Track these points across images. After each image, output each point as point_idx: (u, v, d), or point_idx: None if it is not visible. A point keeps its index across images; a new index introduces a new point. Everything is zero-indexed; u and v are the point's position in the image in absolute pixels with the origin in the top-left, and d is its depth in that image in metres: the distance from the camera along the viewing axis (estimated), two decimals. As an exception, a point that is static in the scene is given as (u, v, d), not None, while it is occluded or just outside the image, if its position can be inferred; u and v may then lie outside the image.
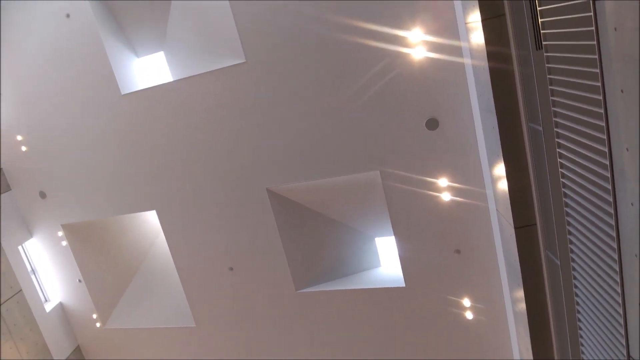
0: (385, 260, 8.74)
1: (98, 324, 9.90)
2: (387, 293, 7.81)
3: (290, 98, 7.01)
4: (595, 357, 3.73)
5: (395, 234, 7.25)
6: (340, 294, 8.10)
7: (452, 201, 6.69)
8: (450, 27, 5.85)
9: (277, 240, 7.99)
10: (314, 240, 8.49)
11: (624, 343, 3.08)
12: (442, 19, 5.88)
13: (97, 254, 9.88)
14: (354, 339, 8.39)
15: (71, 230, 9.47)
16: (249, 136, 7.48)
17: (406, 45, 6.14)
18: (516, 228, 5.03)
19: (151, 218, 10.30)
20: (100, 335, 10.02)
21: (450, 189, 6.64)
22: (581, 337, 4.07)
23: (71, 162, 8.75)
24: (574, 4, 2.88)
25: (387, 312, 7.94)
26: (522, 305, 5.45)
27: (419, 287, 7.51)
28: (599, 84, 2.70)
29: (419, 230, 7.09)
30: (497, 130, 4.81)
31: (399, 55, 6.22)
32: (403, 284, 7.62)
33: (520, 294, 5.37)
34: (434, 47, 6.03)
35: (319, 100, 6.89)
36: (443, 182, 6.63)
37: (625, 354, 3.08)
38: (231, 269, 8.54)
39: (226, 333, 9.13)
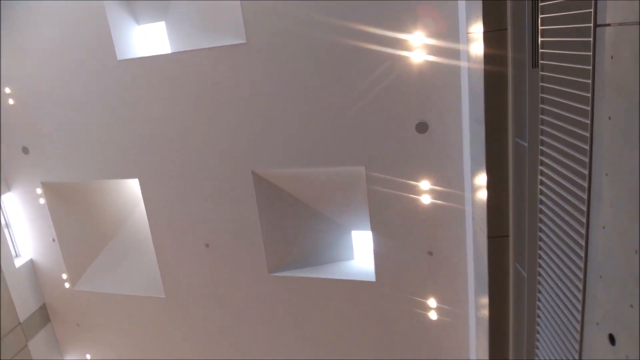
0: (359, 254, 8.87)
1: (67, 285, 9.84)
2: (357, 286, 7.95)
3: (288, 85, 7.02)
4: (549, 368, 3.91)
5: (372, 229, 7.37)
6: (312, 282, 8.22)
7: (432, 204, 6.83)
8: (451, 33, 5.94)
9: (256, 222, 8.04)
10: (293, 226, 8.57)
11: (576, 358, 3.23)
12: (443, 23, 5.96)
13: (75, 215, 9.79)
14: (320, 327, 8.54)
15: (50, 189, 9.35)
16: (241, 117, 7.48)
17: (406, 48, 6.22)
18: (489, 237, 5.17)
19: (133, 186, 10.24)
20: (68, 295, 9.97)
21: (431, 192, 6.78)
22: (537, 348, 4.24)
23: (58, 121, 8.62)
24: (575, 27, 2.97)
25: (355, 304, 8.09)
26: (485, 312, 5.62)
27: (388, 284, 7.67)
28: (589, 108, 2.81)
29: (395, 228, 7.22)
30: (484, 141, 4.92)
31: (399, 58, 6.29)
32: (374, 279, 7.77)
33: (485, 300, 5.54)
34: (434, 51, 6.11)
35: (315, 92, 6.92)
36: (425, 184, 6.75)
37: (577, 368, 3.24)
38: (207, 245, 8.57)
39: (195, 308, 9.18)
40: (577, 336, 3.12)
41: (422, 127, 6.49)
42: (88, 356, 10.64)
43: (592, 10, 2.73)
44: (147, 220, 8.87)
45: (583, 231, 3.02)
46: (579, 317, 3.08)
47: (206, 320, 9.22)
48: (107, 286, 9.76)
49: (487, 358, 5.76)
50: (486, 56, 4.62)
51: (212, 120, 7.65)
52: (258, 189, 7.91)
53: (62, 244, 9.55)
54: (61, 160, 8.90)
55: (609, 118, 2.66)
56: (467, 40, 5.31)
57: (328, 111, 6.95)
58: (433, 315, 7.47)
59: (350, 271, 8.49)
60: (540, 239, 3.91)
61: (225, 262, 8.56)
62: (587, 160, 2.95)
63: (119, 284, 9.77)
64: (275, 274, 8.38)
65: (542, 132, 3.68)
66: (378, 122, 6.73)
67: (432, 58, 6.15)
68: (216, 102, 7.51)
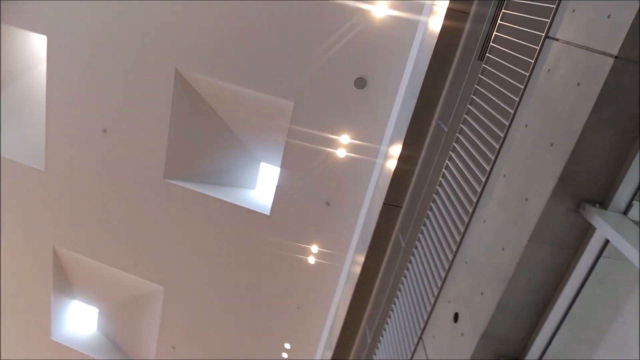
0: (261, 186, 8.89)
1: None
2: (250, 215, 8.00)
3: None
4: (397, 330, 4.28)
5: (282, 167, 7.36)
6: (207, 200, 8.10)
7: (346, 158, 6.97)
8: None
9: (165, 120, 7.61)
10: (204, 139, 8.27)
11: (422, 326, 3.57)
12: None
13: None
14: (205, 248, 8.53)
15: None
16: (181, 9, 6.84)
17: (371, 1, 6.05)
18: (384, 204, 5.42)
19: (37, 45, 9.07)
20: None
21: (348, 146, 6.88)
22: (392, 310, 4.62)
23: None
24: (528, 32, 3.05)
25: (244, 232, 8.17)
26: (358, 269, 5.98)
27: (280, 222, 7.82)
28: (512, 111, 2.94)
29: (304, 171, 7.29)
30: (411, 115, 5.04)
31: (361, 10, 6.11)
32: (268, 213, 7.86)
33: (361, 259, 5.88)
34: (397, 6, 6.01)
35: (267, 11, 6.51)
36: (345, 139, 6.83)
37: (418, 335, 3.58)
38: (105, 131, 7.99)
39: (76, 190, 8.63)
40: (429, 308, 3.43)
41: (360, 83, 6.47)
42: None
43: (549, 20, 2.81)
44: (44, 85, 7.98)
45: (466, 219, 3.25)
46: (436, 292, 3.36)
47: (85, 206, 8.74)
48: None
49: (346, 310, 6.20)
50: (441, 34, 4.65)
51: (148, 5, 6.91)
52: (179, 91, 7.43)
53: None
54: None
55: (525, 126, 2.81)
56: (430, 13, 5.29)
57: (272, 31, 6.61)
58: (311, 260, 7.81)
59: (248, 200, 8.50)
60: (427, 217, 4.17)
61: (121, 153, 8.07)
62: (493, 158, 3.13)
63: (-5, 141, 8.83)
64: (170, 181, 8.11)
65: (464, 122, 3.83)
66: (320, 64, 6.57)
67: (394, 13, 6.05)
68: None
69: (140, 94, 7.54)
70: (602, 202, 2.32)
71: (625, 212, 2.24)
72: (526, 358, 2.53)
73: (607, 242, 2.22)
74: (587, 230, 2.34)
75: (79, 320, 11.28)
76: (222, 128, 8.24)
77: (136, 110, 7.66)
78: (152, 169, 7.99)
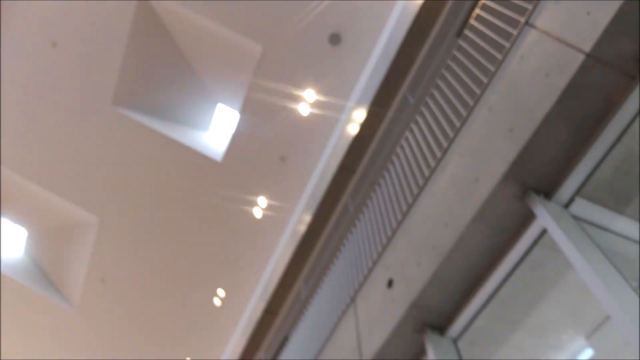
0: (216, 129, 8.63)
1: None
2: (200, 160, 7.79)
3: None
4: (331, 290, 4.37)
5: (242, 112, 7.16)
6: (155, 136, 7.78)
7: (309, 115, 6.85)
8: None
9: (122, 42, 7.10)
10: (161, 69, 7.84)
11: (356, 288, 3.65)
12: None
13: None
14: (147, 185, 8.25)
15: None
16: None
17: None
18: (339, 168, 5.42)
19: None
20: None
21: (313, 104, 6.76)
22: (330, 269, 4.70)
23: None
24: (509, 15, 3.03)
25: (193, 177, 7.97)
26: (303, 228, 6.02)
27: (231, 170, 7.67)
28: (479, 92, 2.95)
29: (264, 120, 7.12)
30: (380, 81, 4.99)
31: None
32: (220, 159, 7.68)
33: (307, 218, 5.91)
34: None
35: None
36: (310, 94, 6.70)
37: (351, 296, 3.67)
38: (54, 44, 7.38)
39: (15, 104, 8.03)
40: (366, 272, 3.50)
41: (334, 40, 6.30)
42: None
43: (531, 8, 2.79)
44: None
45: (416, 192, 3.29)
46: (375, 258, 3.43)
47: (26, 121, 8.16)
48: None
49: (286, 265, 6.26)
50: (424, 5, 4.56)
51: None
52: (141, 13, 6.93)
53: None
54: None
55: (489, 109, 2.83)
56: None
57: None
58: (258, 213, 7.77)
59: (199, 142, 8.24)
60: (379, 185, 4.20)
61: (69, 72, 7.52)
62: (452, 136, 3.15)
63: None
64: (119, 109, 7.69)
65: (431, 96, 3.82)
66: (298, 13, 6.31)
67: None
68: None
69: (99, 7, 6.97)
70: (547, 193, 2.39)
71: (567, 206, 2.33)
72: (450, 330, 2.64)
73: (544, 231, 2.31)
74: (528, 218, 2.42)
75: (5, 240, 10.76)
76: (182, 61, 7.82)
77: (91, 25, 7.10)
78: (101, 93, 7.52)
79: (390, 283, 3.02)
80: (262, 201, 7.68)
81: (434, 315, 2.69)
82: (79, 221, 9.01)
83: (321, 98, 6.69)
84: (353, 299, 3.60)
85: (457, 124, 3.12)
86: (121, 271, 9.25)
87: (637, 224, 2.46)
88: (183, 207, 8.27)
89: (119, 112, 7.63)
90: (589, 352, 2.92)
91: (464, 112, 3.10)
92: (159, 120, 8.01)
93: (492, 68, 2.94)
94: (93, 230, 8.82)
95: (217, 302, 8.83)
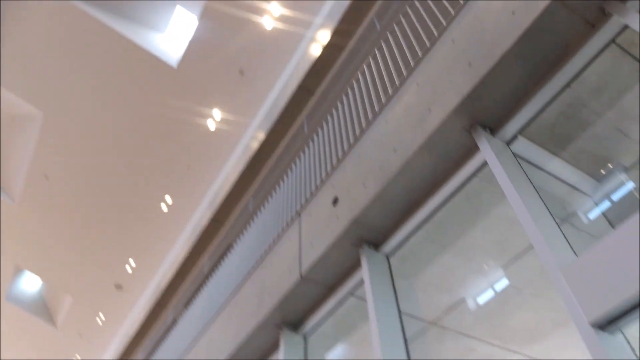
0: (172, 33, 8.14)
1: None
2: (154, 64, 7.40)
3: None
4: (278, 204, 4.49)
5: (201, 17, 6.76)
6: (109, 33, 7.24)
7: (273, 30, 6.59)
8: None
9: None
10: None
11: (302, 203, 3.78)
12: None
13: None
14: (97, 84, 7.79)
15: None
16: None
17: None
18: (299, 87, 5.36)
19: None
20: None
21: (278, 17, 6.48)
22: (275, 191, 4.79)
23: None
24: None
25: (143, 79, 7.59)
26: (255, 144, 6.02)
27: (185, 78, 7.37)
28: (445, 24, 2.94)
29: (226, 27, 6.78)
30: (348, 3, 4.83)
31: None
32: (175, 65, 7.34)
33: (261, 135, 5.90)
34: None
35: None
36: (275, 7, 6.40)
37: (297, 210, 3.80)
38: None
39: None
40: (314, 189, 3.61)
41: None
42: None
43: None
44: None
45: (370, 117, 3.35)
46: (324, 176, 3.53)
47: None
48: None
49: (236, 179, 6.31)
50: None
51: None
52: None
53: None
54: None
55: (452, 41, 2.85)
56: None
57: None
58: (211, 126, 7.63)
59: (154, 44, 7.77)
60: (336, 108, 4.22)
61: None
62: (412, 65, 3.18)
63: None
64: (75, 3, 7.03)
65: (398, 22, 3.77)
66: None
67: None
68: None
69: None
70: (493, 129, 2.51)
71: (509, 143, 2.46)
72: (384, 246, 2.84)
73: (485, 164, 2.45)
74: (472, 151, 2.54)
75: None
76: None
77: None
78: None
79: (335, 201, 3.15)
80: (217, 114, 7.51)
81: (373, 232, 2.86)
82: (22, 114, 8.49)
83: (287, 12, 6.40)
84: (298, 213, 3.73)
85: (420, 53, 3.13)
86: (65, 169, 8.96)
87: (569, 166, 2.65)
88: (134, 111, 7.95)
89: (73, 6, 6.99)
90: (504, 282, 3.25)
91: (427, 43, 3.11)
92: (115, 17, 7.43)
93: (462, 1, 2.92)
94: (37, 126, 8.36)
95: (164, 207, 8.85)
